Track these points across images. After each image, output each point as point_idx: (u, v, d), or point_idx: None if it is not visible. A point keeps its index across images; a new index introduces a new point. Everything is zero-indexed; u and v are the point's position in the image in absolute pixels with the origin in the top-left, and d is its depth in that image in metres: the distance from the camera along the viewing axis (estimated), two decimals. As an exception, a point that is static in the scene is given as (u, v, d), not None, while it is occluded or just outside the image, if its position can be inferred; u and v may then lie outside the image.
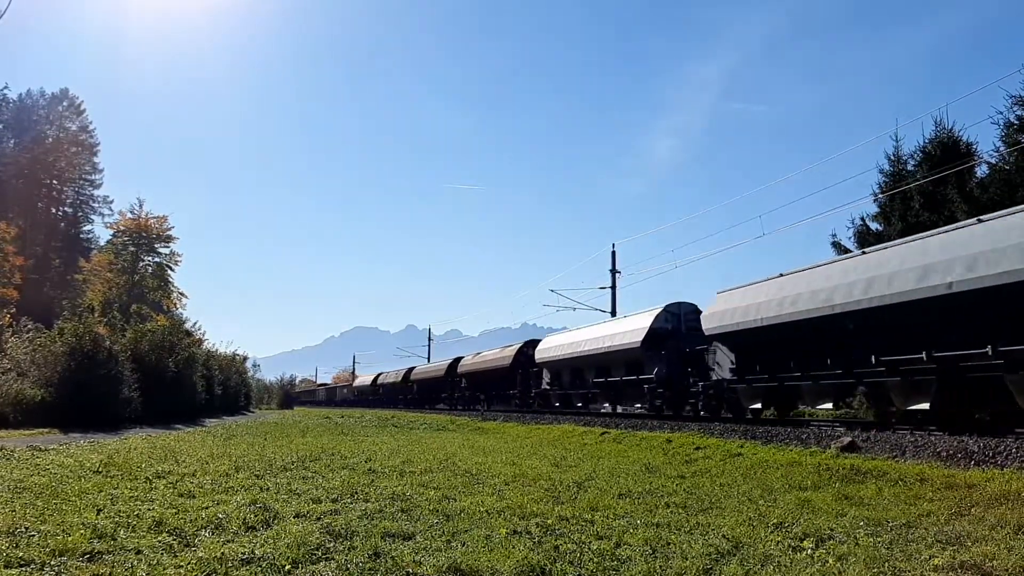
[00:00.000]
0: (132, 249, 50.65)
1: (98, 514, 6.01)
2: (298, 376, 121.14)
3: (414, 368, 55.84)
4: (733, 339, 17.02)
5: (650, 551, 5.13)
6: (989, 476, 7.73)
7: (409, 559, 4.75)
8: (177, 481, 8.23)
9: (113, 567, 4.44)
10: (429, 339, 77.80)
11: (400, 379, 55.57)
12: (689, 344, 19.98)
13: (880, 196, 25.34)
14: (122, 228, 51.01)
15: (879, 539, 5.46)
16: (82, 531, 5.25)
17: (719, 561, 4.87)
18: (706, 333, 18.06)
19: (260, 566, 4.52)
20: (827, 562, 4.80)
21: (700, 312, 20.56)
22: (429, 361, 75.41)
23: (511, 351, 35.33)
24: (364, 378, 68.66)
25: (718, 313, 17.56)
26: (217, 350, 40.81)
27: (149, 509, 6.34)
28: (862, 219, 26.29)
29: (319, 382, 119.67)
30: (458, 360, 44.08)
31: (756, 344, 16.24)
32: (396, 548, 5.05)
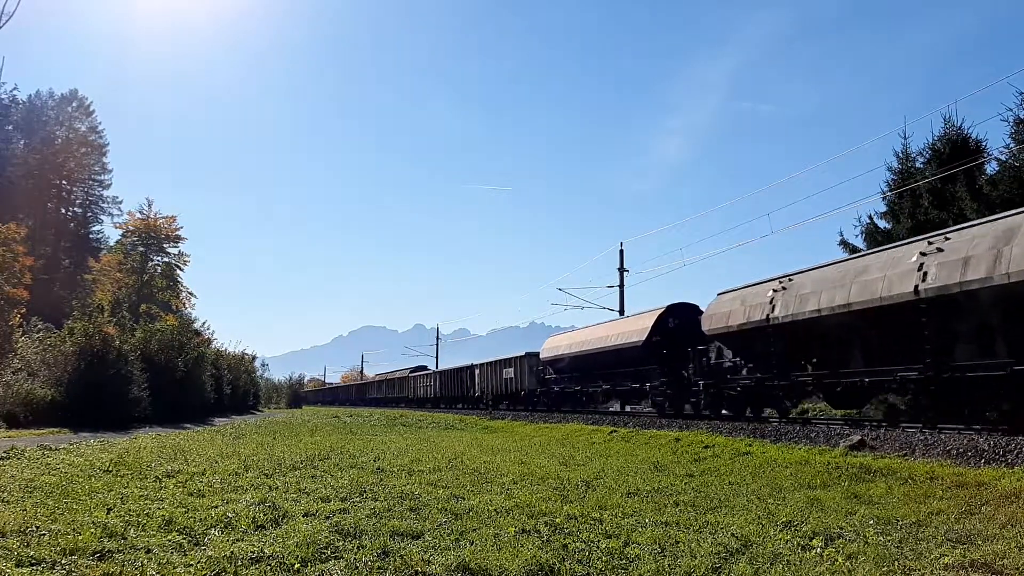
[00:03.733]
0: (141, 249, 50.91)
1: (108, 513, 6.04)
2: (307, 375, 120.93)
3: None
4: None
5: (659, 549, 5.12)
6: (999, 474, 7.69)
7: (418, 558, 4.75)
8: (187, 480, 8.27)
9: (123, 566, 4.46)
10: (437, 338, 77.78)
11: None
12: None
13: (889, 194, 25.17)
14: (131, 228, 51.27)
15: (889, 538, 5.44)
16: (92, 530, 5.28)
17: (728, 560, 4.85)
18: None
19: (269, 565, 4.54)
20: (836, 561, 4.79)
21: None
22: (437, 360, 74.96)
23: (646, 321, 22.58)
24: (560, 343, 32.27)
25: None
26: (226, 349, 41.03)
27: (159, 508, 6.37)
28: (870, 217, 26.12)
29: (393, 372, 74.64)
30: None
31: None
32: (405, 547, 5.06)
